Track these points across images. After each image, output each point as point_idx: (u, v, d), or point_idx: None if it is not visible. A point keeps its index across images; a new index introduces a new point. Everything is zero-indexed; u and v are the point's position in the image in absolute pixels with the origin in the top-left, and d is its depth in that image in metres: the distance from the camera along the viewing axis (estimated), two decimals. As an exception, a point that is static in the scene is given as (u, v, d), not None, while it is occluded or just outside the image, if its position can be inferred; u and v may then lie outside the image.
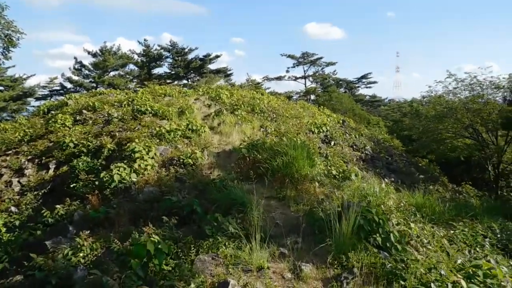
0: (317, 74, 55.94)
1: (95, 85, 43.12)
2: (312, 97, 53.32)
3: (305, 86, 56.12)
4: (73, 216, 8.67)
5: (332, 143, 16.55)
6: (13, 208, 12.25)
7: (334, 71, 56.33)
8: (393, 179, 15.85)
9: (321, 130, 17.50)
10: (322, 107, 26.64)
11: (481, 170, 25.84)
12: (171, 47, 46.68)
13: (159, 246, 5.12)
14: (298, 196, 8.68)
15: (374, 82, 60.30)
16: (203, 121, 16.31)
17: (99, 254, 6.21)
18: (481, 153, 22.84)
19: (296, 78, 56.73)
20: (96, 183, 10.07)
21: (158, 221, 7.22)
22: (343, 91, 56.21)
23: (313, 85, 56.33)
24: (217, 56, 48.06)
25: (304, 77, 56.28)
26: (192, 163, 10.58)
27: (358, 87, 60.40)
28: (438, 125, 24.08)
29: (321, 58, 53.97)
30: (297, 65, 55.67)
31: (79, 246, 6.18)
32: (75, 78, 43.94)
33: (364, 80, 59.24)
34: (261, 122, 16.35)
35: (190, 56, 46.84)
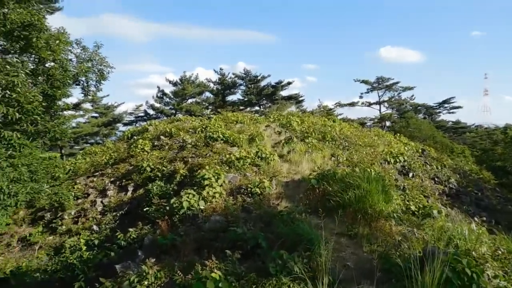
0: (392, 99, 53.31)
1: (174, 111, 46.19)
2: (387, 123, 50.79)
3: (380, 112, 53.75)
4: (143, 241, 8.92)
5: (411, 174, 15.22)
6: (95, 227, 13.17)
7: (412, 96, 53.13)
8: (484, 218, 13.87)
9: (397, 160, 16.25)
10: (398, 134, 25.02)
11: None
12: (244, 75, 48.42)
13: (220, 285, 4.88)
14: (372, 235, 7.90)
15: (458, 107, 55.50)
16: (273, 148, 16.20)
17: (163, 284, 6.17)
18: None
19: (370, 104, 54.66)
20: (167, 208, 10.33)
21: (222, 253, 7.04)
22: (422, 117, 52.64)
23: (389, 111, 53.75)
24: (289, 83, 48.62)
25: (379, 103, 53.98)
26: (259, 192, 10.38)
27: (439, 112, 56.11)
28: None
29: (397, 82, 51.50)
30: (371, 91, 53.74)
31: (144, 274, 6.22)
32: (157, 105, 47.57)
33: (446, 105, 54.92)
34: (332, 151, 15.73)
35: (262, 83, 48.09)
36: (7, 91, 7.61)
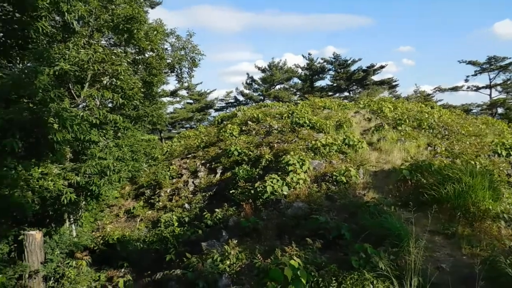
0: (508, 82, 46.37)
1: (262, 97, 47.00)
2: (500, 110, 44.48)
3: (490, 97, 47.31)
4: (228, 222, 9.29)
5: (528, 170, 13.07)
6: (186, 205, 14.17)
7: (535, 78, 45.45)
8: None
9: (511, 153, 14.11)
10: (512, 123, 21.77)
11: None
12: (334, 60, 46.72)
13: (298, 273, 4.78)
14: (474, 236, 6.98)
15: None
16: (362, 135, 15.39)
17: (243, 265, 6.31)
18: None
19: (478, 88, 48.32)
20: (252, 191, 10.54)
21: (303, 240, 6.93)
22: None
23: (502, 96, 46.90)
24: (382, 67, 45.46)
25: (489, 87, 47.38)
26: (345, 181, 9.95)
27: None
28: None
29: (515, 62, 44.46)
30: (480, 73, 47.27)
31: (226, 254, 6.44)
32: (246, 91, 48.89)
33: None
34: (429, 140, 14.29)
35: (352, 68, 45.80)
36: (113, 79, 8.46)
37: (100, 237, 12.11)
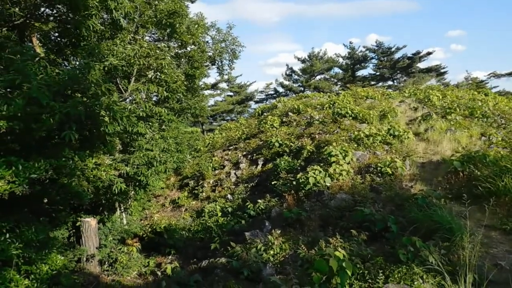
0: None
1: (302, 88, 46.47)
2: None
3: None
4: (270, 212, 9.35)
5: None
6: (229, 196, 14.43)
7: None
8: None
9: None
10: None
11: None
12: (376, 48, 45.05)
13: (343, 264, 4.71)
14: (537, 233, 6.50)
15: None
16: (407, 126, 14.79)
17: (287, 256, 6.34)
18: None
19: (539, 73, 44.69)
20: (294, 183, 10.51)
21: (347, 232, 6.83)
22: None
23: None
24: (429, 53, 43.12)
25: (553, 71, 43.65)
26: (390, 172, 9.63)
27: None
28: None
29: None
30: (541, 57, 43.66)
31: (270, 244, 6.50)
32: (286, 83, 48.57)
33: None
34: (483, 129, 13.44)
35: (396, 56, 43.90)
36: (158, 73, 8.75)
37: (148, 225, 12.68)
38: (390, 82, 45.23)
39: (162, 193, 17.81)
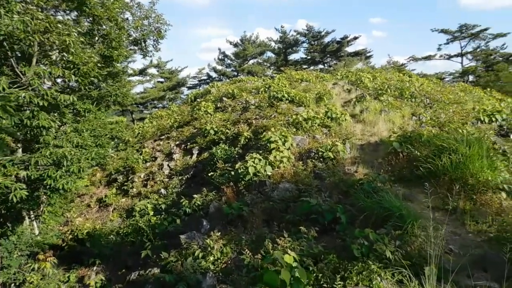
0: (478, 50, 46.79)
1: (236, 73, 45.47)
2: (471, 78, 45.03)
3: (462, 65, 47.75)
4: (208, 208, 8.44)
5: None
6: (162, 190, 13.18)
7: (503, 44, 45.84)
8: None
9: (493, 119, 13.83)
10: (489, 89, 21.71)
11: None
12: (307, 32, 45.47)
13: (296, 274, 4.02)
14: (476, 211, 6.46)
15: None
16: (343, 108, 14.71)
17: (229, 261, 5.52)
18: None
19: (450, 57, 48.60)
20: (232, 173, 9.68)
21: (294, 226, 6.21)
22: (514, 69, 45.68)
23: (472, 63, 47.42)
24: (355, 38, 44.62)
25: (461, 55, 47.76)
26: (332, 156, 9.25)
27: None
28: None
29: (485, 29, 44.51)
30: (452, 41, 47.41)
31: (209, 248, 5.62)
32: (219, 67, 47.18)
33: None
34: (413, 109, 13.79)
35: (326, 40, 44.81)
36: (64, 54, 7.22)
37: (69, 232, 11.04)
38: (321, 66, 46.21)
39: (87, 192, 15.93)
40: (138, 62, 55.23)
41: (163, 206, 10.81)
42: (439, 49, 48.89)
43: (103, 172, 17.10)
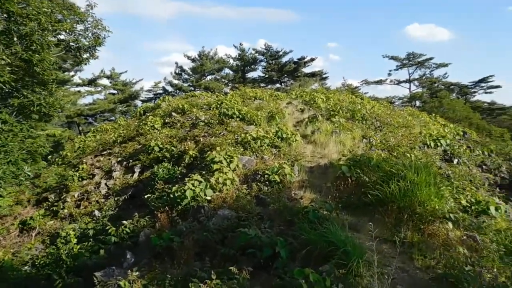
0: (424, 77, 49.70)
1: (193, 88, 44.46)
2: (417, 103, 47.51)
3: (410, 91, 50.37)
4: (138, 237, 7.44)
5: (455, 161, 13.06)
6: (96, 212, 11.86)
7: (445, 74, 49.18)
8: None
9: (438, 144, 14.09)
10: (433, 115, 22.58)
11: None
12: (265, 51, 45.87)
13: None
14: (424, 243, 6.08)
15: (497, 87, 50.87)
16: (295, 127, 14.36)
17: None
18: None
19: (399, 82, 51.28)
20: (171, 196, 8.76)
21: (229, 261, 5.45)
22: (455, 97, 48.89)
23: (419, 89, 50.24)
24: (312, 59, 45.73)
25: (409, 81, 50.52)
26: (279, 180, 8.65)
27: (475, 92, 51.88)
28: None
29: (430, 59, 47.56)
30: (401, 68, 50.15)
31: (124, 292, 4.68)
32: (175, 82, 46.01)
33: (483, 85, 50.60)
34: (363, 132, 13.71)
35: (284, 60, 45.46)
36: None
37: (-24, 262, 9.47)
38: (278, 85, 46.59)
39: (10, 212, 14.11)
40: (87, 71, 52.67)
41: (91, 232, 9.56)
42: (389, 74, 51.41)
43: (34, 189, 15.35)
